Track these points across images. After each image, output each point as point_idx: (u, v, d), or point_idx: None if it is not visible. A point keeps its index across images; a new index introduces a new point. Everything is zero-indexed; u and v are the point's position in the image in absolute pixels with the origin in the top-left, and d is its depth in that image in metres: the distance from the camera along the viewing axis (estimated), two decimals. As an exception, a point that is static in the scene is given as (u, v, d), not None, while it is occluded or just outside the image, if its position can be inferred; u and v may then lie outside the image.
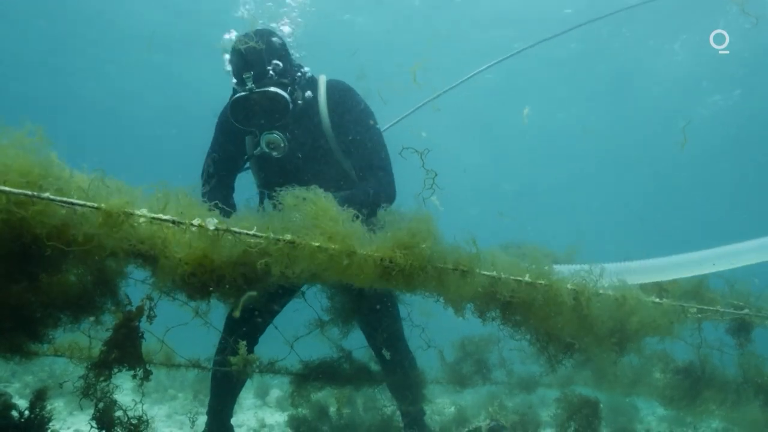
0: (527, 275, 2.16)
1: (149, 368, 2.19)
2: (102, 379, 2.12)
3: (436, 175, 2.20)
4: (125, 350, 2.07)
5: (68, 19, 16.39)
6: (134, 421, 2.22)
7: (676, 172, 24.66)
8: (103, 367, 2.09)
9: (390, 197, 3.22)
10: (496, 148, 25.05)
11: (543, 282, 2.16)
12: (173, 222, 1.81)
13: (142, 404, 2.28)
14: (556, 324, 2.19)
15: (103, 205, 1.71)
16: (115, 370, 2.10)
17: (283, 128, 3.19)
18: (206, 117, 3.60)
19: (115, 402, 2.22)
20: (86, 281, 2.25)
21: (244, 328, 3.20)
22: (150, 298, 2.08)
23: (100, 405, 2.18)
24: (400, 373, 3.56)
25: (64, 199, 1.68)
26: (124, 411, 2.23)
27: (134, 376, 2.12)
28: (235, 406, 3.77)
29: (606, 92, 19.97)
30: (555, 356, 2.36)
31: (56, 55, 18.16)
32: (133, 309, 2.08)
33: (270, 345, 3.38)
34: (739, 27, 15.11)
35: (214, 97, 3.70)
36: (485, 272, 2.12)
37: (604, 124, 22.50)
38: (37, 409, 2.45)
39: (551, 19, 15.11)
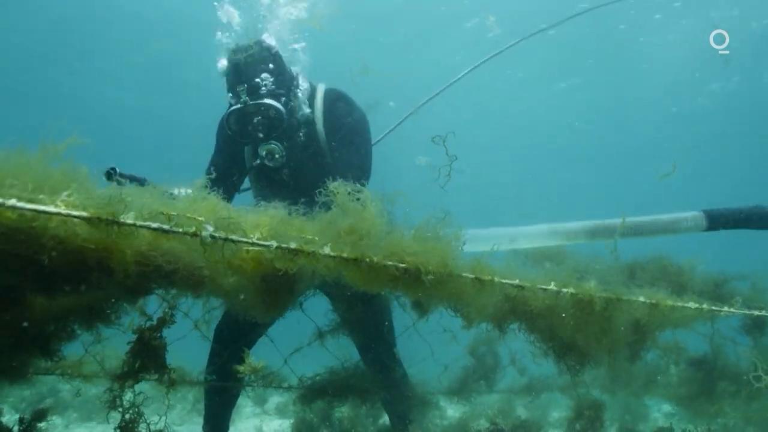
0: (552, 283, 2.05)
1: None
2: (128, 385, 2.13)
3: (455, 158, 2.14)
4: (150, 357, 2.08)
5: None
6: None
7: (676, 163, 24.62)
8: (128, 375, 2.09)
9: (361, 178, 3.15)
10: (490, 139, 24.97)
11: (571, 290, 2.05)
12: (163, 230, 1.69)
13: (166, 417, 2.35)
14: (583, 334, 2.09)
15: (84, 213, 1.57)
16: (140, 377, 2.12)
17: (280, 138, 3.13)
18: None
19: (142, 414, 2.23)
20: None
21: (234, 340, 3.11)
22: (172, 307, 2.09)
23: (127, 416, 2.19)
24: (391, 384, 3.53)
25: (33, 206, 1.52)
26: (148, 425, 2.26)
27: (159, 381, 2.14)
28: (234, 415, 3.69)
29: (604, 82, 19.93)
30: (573, 366, 2.29)
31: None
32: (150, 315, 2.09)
33: (272, 356, 3.30)
34: (732, 16, 15.14)
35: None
36: (508, 281, 2.00)
37: (602, 116, 22.50)
38: (28, 427, 2.37)
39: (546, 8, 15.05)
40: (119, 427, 2.18)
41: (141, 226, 1.67)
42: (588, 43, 17.00)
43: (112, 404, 2.14)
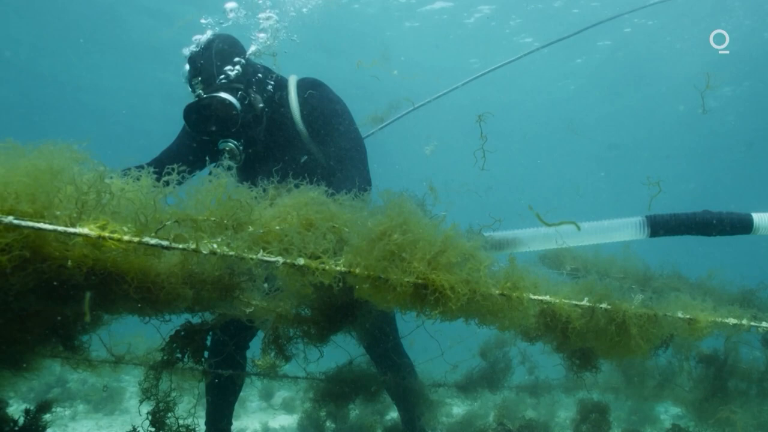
0: (586, 299, 1.98)
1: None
2: (166, 371, 2.19)
3: (486, 139, 2.13)
4: (192, 348, 2.17)
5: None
6: (183, 430, 2.29)
7: (687, 164, 24.63)
8: (167, 364, 2.15)
9: (363, 189, 3.10)
10: (500, 146, 24.92)
11: (606, 306, 1.98)
12: (161, 246, 1.63)
13: (194, 411, 2.36)
14: (612, 349, 2.04)
15: (85, 230, 1.51)
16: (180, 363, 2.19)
17: (238, 135, 3.09)
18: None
19: (174, 405, 2.28)
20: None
21: (238, 331, 3.08)
22: (222, 315, 2.15)
23: (161, 405, 2.24)
24: (398, 380, 3.52)
25: (30, 224, 1.46)
26: (176, 419, 2.29)
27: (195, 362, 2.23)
28: (240, 409, 3.67)
29: (617, 87, 19.86)
30: (580, 369, 2.26)
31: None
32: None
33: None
34: (744, 25, 15.14)
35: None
36: (536, 297, 1.92)
37: (615, 119, 22.45)
38: (33, 419, 2.37)
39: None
40: (151, 413, 2.22)
41: (141, 243, 1.59)
42: (602, 44, 16.95)
43: (147, 392, 2.19)
